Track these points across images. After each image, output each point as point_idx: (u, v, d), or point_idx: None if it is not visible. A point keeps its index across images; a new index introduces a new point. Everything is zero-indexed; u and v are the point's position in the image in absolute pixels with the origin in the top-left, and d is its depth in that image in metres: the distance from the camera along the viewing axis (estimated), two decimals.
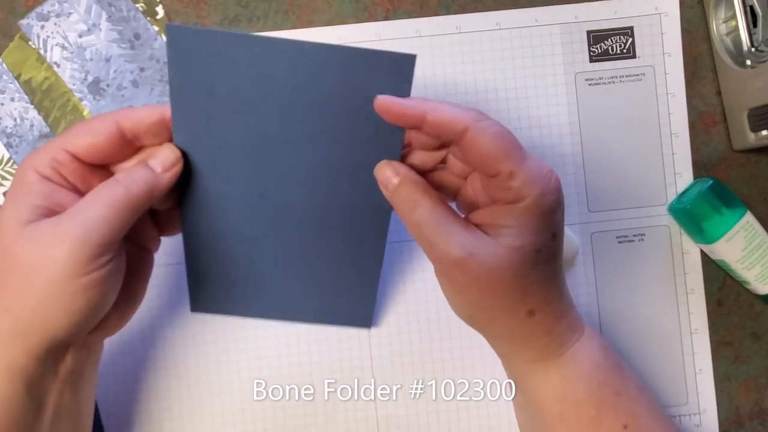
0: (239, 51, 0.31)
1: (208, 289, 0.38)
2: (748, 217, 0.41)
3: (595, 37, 0.44)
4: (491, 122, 0.30)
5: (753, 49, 0.41)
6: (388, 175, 0.32)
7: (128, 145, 0.32)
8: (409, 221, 0.31)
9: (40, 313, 0.29)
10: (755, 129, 0.41)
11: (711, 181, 0.41)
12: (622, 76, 0.44)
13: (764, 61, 0.40)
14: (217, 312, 0.39)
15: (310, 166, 0.34)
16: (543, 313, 0.32)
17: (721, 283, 0.44)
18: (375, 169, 0.33)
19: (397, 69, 0.31)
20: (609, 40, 0.44)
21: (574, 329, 0.34)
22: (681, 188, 0.44)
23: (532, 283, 0.31)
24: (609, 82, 0.44)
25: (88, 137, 0.31)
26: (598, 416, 0.33)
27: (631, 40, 0.44)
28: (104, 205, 0.29)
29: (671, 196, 0.44)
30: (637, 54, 0.44)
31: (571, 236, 0.42)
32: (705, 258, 0.44)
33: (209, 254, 0.37)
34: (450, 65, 0.44)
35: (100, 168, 0.33)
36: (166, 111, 0.32)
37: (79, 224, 0.29)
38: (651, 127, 0.44)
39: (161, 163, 0.32)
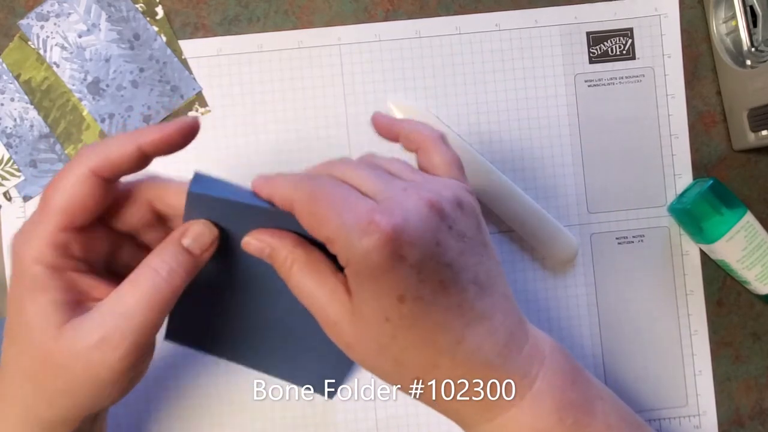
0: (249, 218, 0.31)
1: (186, 322, 0.36)
2: (748, 217, 0.41)
3: (595, 39, 0.44)
4: (315, 185, 0.28)
5: (753, 49, 0.41)
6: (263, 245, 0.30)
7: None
8: (289, 284, 0.29)
9: (79, 407, 0.29)
10: (755, 129, 0.41)
11: (711, 181, 0.41)
12: (622, 78, 0.44)
13: (764, 61, 0.40)
14: (190, 346, 0.38)
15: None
16: (434, 382, 0.28)
17: (721, 283, 0.44)
18: (243, 243, 0.30)
19: None
20: (609, 41, 0.44)
21: (507, 391, 0.29)
22: (680, 189, 0.44)
23: (401, 353, 0.28)
24: (608, 84, 0.44)
25: (69, 201, 0.28)
26: None
27: (630, 41, 0.44)
28: (147, 301, 0.28)
29: (671, 198, 0.44)
30: (637, 55, 0.44)
31: (569, 237, 0.42)
32: (705, 258, 0.44)
33: (193, 289, 0.34)
34: (450, 66, 0.44)
35: (106, 230, 0.31)
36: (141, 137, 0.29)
37: (126, 328, 0.27)
38: (650, 128, 0.44)
39: (199, 245, 0.30)
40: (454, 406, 0.29)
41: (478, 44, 0.44)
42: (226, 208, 0.31)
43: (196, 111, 0.43)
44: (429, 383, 0.28)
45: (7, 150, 0.43)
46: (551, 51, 0.44)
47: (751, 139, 0.42)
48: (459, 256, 0.28)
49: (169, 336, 0.38)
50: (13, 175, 0.43)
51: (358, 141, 0.43)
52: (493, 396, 0.29)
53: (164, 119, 0.43)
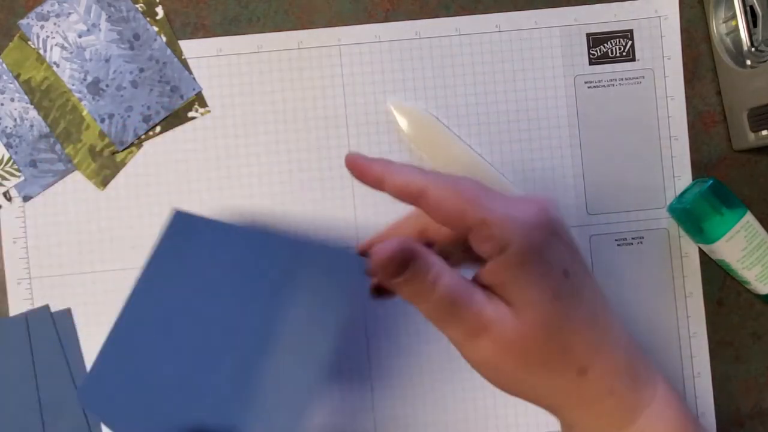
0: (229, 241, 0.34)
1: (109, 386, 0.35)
2: (748, 217, 0.41)
3: (595, 40, 0.44)
4: (449, 177, 0.27)
5: (753, 49, 0.41)
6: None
7: None
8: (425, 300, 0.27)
9: None
10: (755, 129, 0.41)
11: (711, 181, 0.41)
12: (622, 79, 0.44)
13: (764, 61, 0.40)
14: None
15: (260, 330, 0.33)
16: (597, 371, 0.27)
17: (721, 283, 0.44)
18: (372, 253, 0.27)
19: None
20: (608, 42, 0.44)
21: (643, 385, 0.28)
22: (680, 191, 0.44)
23: (572, 335, 0.26)
24: (608, 85, 0.44)
25: None
26: None
27: (630, 42, 0.44)
28: None
29: (670, 199, 0.44)
30: (637, 57, 0.44)
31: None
32: (705, 258, 0.44)
33: (136, 348, 0.35)
34: (449, 67, 0.44)
35: None
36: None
37: None
38: (650, 129, 0.44)
39: None
40: (607, 407, 0.27)
41: (477, 45, 0.44)
42: (211, 232, 0.34)
43: (196, 111, 0.43)
44: (592, 376, 0.27)
45: (7, 150, 0.43)
46: (551, 52, 0.44)
47: (751, 139, 0.42)
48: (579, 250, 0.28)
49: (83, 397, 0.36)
50: (13, 175, 0.43)
51: (358, 142, 0.43)
52: (635, 393, 0.27)
53: (164, 119, 0.43)
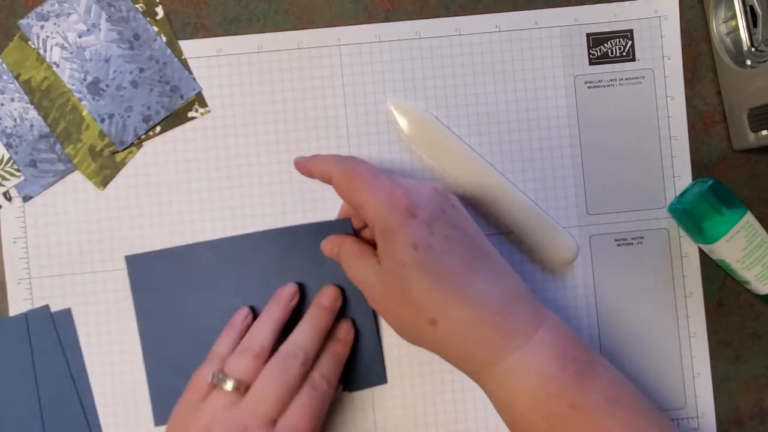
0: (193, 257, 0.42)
1: (172, 401, 0.38)
2: (748, 217, 0.41)
3: (595, 40, 0.44)
4: (350, 164, 0.36)
5: (753, 49, 0.41)
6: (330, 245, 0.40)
7: None
8: (340, 263, 0.38)
9: None
10: (755, 129, 0.41)
11: (711, 181, 0.41)
12: (622, 79, 0.44)
13: (764, 61, 0.40)
14: None
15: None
16: (447, 321, 0.33)
17: (721, 283, 0.44)
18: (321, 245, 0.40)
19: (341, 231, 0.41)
20: (609, 42, 0.44)
21: (512, 335, 0.32)
22: (680, 191, 0.44)
23: (419, 295, 0.33)
24: (608, 85, 0.44)
25: None
26: (548, 429, 0.32)
27: (630, 43, 0.44)
28: None
29: (670, 199, 0.44)
30: (637, 57, 0.44)
31: (569, 239, 0.42)
32: (705, 258, 0.44)
33: (170, 365, 0.41)
34: (450, 67, 0.44)
35: None
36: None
37: None
38: (650, 129, 0.44)
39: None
40: (464, 351, 0.33)
41: (478, 45, 0.44)
42: (168, 259, 0.42)
43: (196, 111, 0.43)
44: (443, 325, 0.33)
45: (8, 150, 0.43)
46: (551, 52, 0.44)
47: (751, 139, 0.42)
48: (464, 224, 0.35)
49: (159, 421, 0.42)
50: (13, 175, 0.43)
51: (358, 142, 0.43)
52: (500, 338, 0.32)
53: (164, 119, 0.43)
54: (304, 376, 0.37)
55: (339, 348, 0.40)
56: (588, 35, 0.44)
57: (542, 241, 0.42)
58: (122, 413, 0.43)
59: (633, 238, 0.44)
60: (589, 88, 0.44)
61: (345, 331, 0.41)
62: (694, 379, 0.44)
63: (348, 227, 0.41)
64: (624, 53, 0.44)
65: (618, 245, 0.44)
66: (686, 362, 0.44)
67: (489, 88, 0.44)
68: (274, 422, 0.35)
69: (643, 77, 0.44)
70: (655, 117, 0.44)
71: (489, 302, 0.33)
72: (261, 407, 0.35)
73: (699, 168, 0.44)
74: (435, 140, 0.43)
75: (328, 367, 0.39)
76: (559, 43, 0.44)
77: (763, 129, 0.41)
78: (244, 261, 0.42)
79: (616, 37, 0.44)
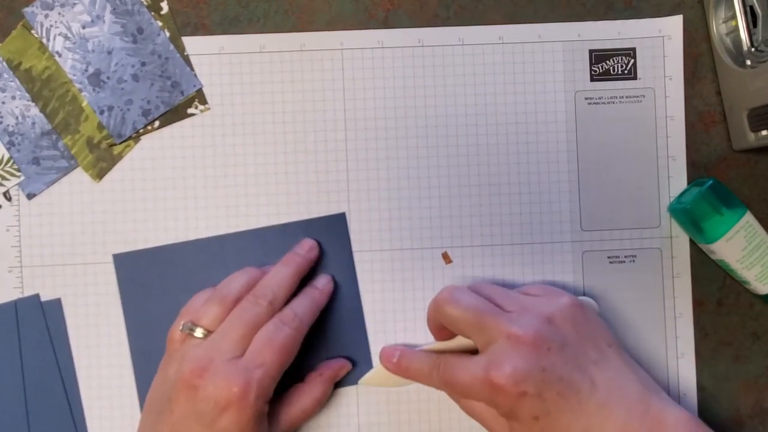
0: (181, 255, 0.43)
1: None
2: (748, 217, 0.41)
3: (597, 57, 0.44)
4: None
5: (753, 49, 0.40)
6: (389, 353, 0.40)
7: None
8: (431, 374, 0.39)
9: None
10: (755, 129, 0.41)
11: (711, 181, 0.41)
12: (622, 97, 0.44)
13: (764, 61, 0.40)
14: None
15: None
16: None
17: (721, 283, 0.44)
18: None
19: (333, 227, 0.43)
20: (611, 60, 0.44)
21: None
22: None
23: None
24: (608, 102, 0.44)
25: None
26: None
27: (633, 61, 0.44)
28: None
29: (665, 220, 0.44)
30: (639, 75, 0.44)
31: (589, 301, 0.42)
32: (705, 258, 0.44)
33: (158, 363, 0.40)
34: (451, 76, 0.44)
35: None
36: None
37: None
38: (648, 149, 0.44)
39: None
40: None
41: (480, 56, 0.44)
42: (156, 258, 0.42)
43: (196, 108, 0.43)
44: None
45: (10, 148, 0.43)
46: (553, 66, 0.44)
47: (751, 139, 0.42)
48: (565, 365, 0.35)
49: None
50: (12, 175, 0.43)
51: (356, 146, 0.43)
52: None
53: (163, 114, 0.43)
54: (272, 315, 0.38)
55: (315, 293, 0.41)
56: (591, 51, 0.44)
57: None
58: (107, 406, 0.43)
59: (626, 256, 0.44)
60: (589, 104, 0.44)
61: (323, 282, 0.42)
62: (679, 399, 0.44)
63: (342, 222, 0.42)
64: (626, 71, 0.44)
65: (610, 262, 0.44)
66: (673, 383, 0.44)
67: (489, 99, 0.44)
68: (240, 358, 0.36)
69: (644, 96, 0.44)
70: (654, 136, 0.44)
71: None
72: (225, 343, 0.36)
73: (698, 168, 0.44)
74: None
75: (300, 304, 0.39)
76: (561, 57, 0.44)
77: (763, 129, 0.40)
78: (232, 260, 0.42)
79: (618, 55, 0.44)
